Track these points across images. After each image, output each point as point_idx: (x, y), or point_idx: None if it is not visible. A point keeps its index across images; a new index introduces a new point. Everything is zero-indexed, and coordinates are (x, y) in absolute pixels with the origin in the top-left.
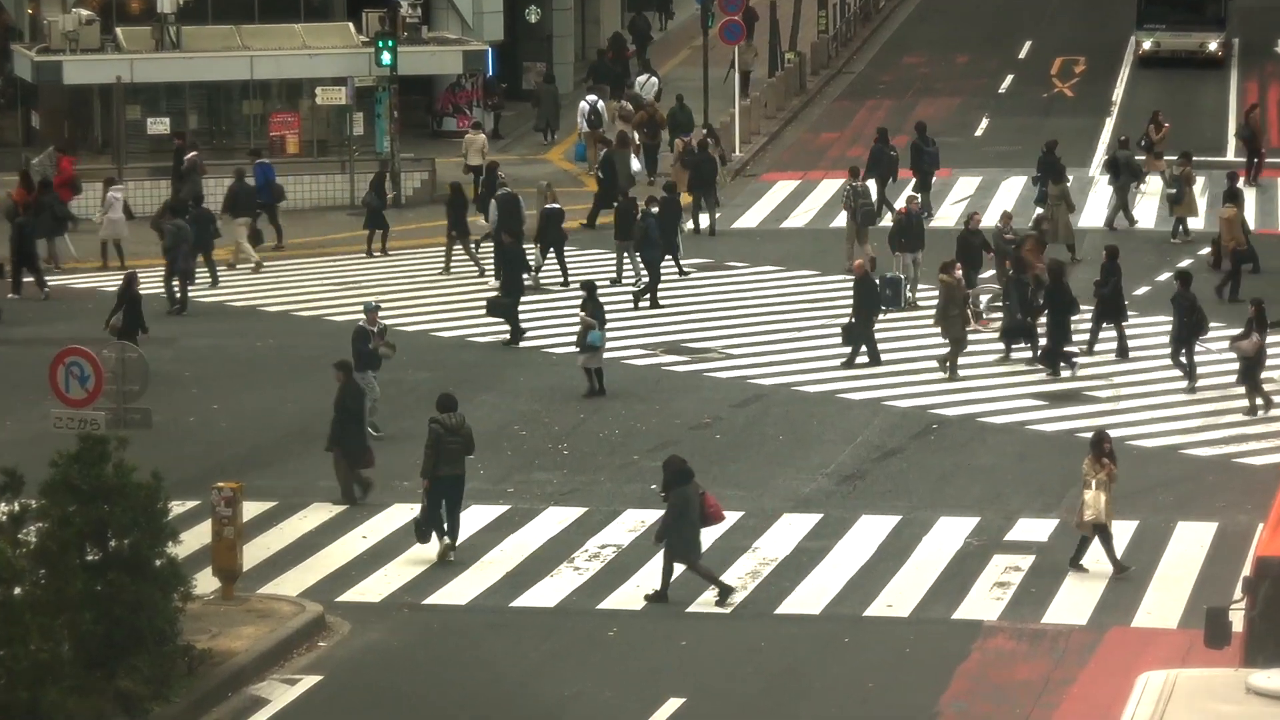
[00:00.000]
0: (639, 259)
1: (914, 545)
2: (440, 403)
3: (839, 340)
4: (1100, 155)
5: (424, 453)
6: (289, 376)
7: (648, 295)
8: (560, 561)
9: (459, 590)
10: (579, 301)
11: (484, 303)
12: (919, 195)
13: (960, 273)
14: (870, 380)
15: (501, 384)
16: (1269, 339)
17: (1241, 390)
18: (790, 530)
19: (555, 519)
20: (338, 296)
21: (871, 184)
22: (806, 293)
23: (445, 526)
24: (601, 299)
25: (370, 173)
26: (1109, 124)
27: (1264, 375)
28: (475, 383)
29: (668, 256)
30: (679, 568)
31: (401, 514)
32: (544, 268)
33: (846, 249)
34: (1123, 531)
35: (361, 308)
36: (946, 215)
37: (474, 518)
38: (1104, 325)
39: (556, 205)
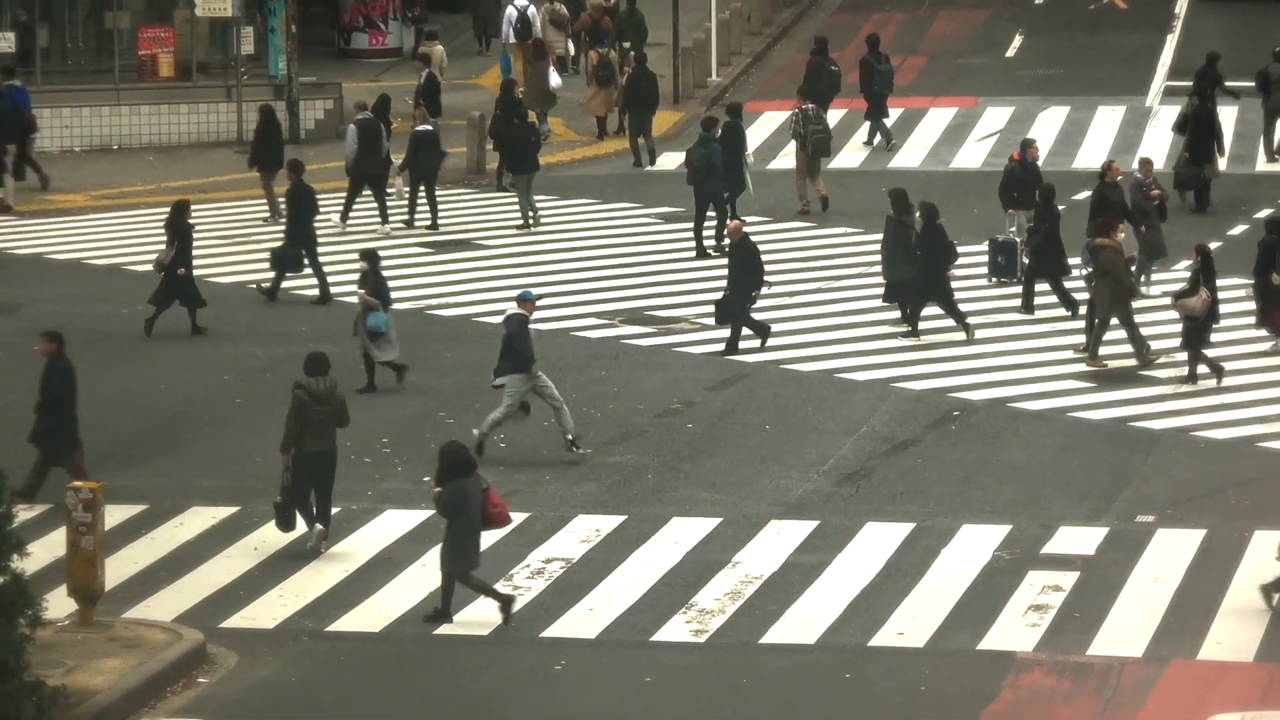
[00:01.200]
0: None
1: (930, 559)
2: (308, 364)
3: (842, 307)
4: (1160, 80)
5: (285, 424)
6: (159, 351)
7: (717, 244)
8: (496, 579)
9: (372, 614)
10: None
11: (402, 259)
12: (1032, 140)
13: (1121, 235)
14: (877, 357)
15: (423, 360)
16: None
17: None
18: (779, 541)
19: None
20: (224, 252)
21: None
22: (798, 248)
23: (315, 512)
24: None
25: (262, 101)
26: (1170, 42)
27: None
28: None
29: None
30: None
31: (303, 521)
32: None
33: (797, 186)
34: (1186, 543)
35: (519, 296)
36: (971, 155)
37: (390, 525)
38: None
39: (429, 128)
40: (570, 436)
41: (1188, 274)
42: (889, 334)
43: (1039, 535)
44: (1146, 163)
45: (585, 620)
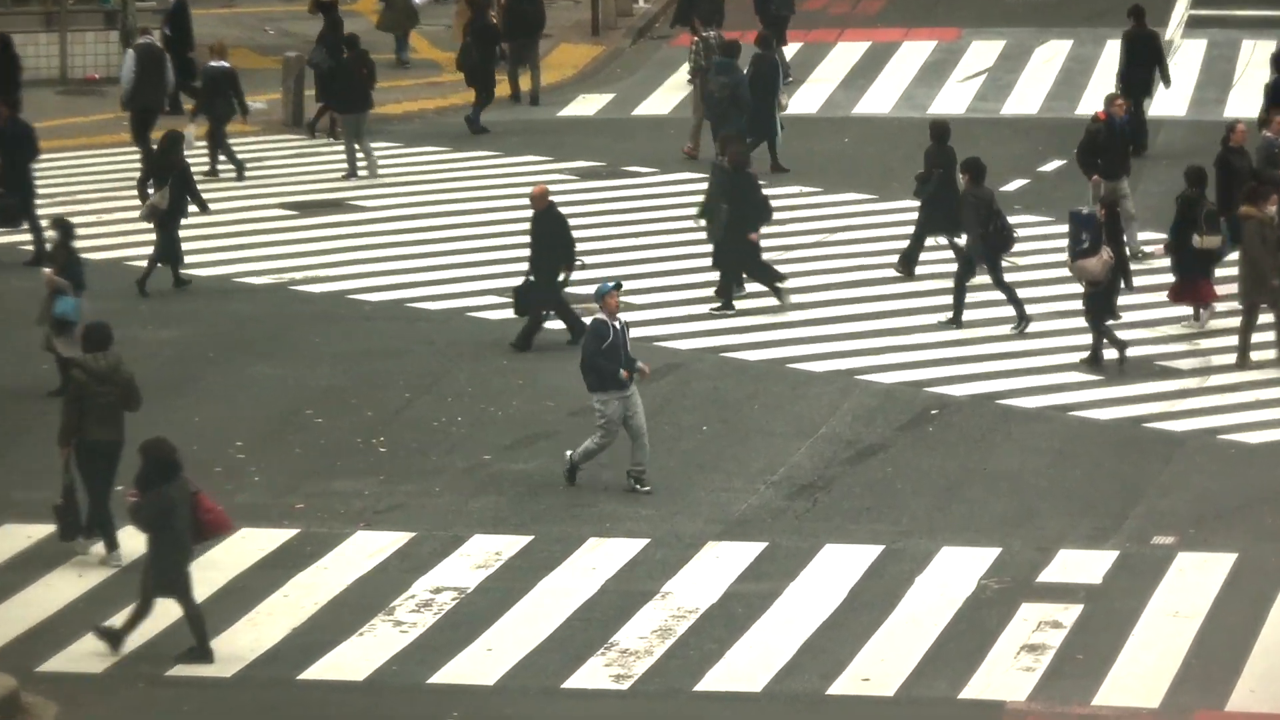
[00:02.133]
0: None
1: (902, 589)
2: (87, 338)
3: (796, 283)
4: (1182, 8)
5: (62, 410)
6: None
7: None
8: (374, 612)
9: (223, 655)
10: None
11: (259, 223)
12: (1125, 100)
13: (1273, 208)
14: (838, 344)
15: (288, 348)
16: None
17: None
18: (718, 567)
19: (366, 549)
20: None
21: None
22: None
23: (88, 519)
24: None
25: (91, 30)
26: None
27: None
28: (250, 346)
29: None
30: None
31: (138, 540)
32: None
33: (693, 130)
34: (1212, 569)
35: (595, 291)
36: (953, 98)
37: (246, 548)
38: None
39: (226, 64)
40: (636, 469)
41: None
42: (863, 315)
43: (1034, 560)
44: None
45: (483, 663)
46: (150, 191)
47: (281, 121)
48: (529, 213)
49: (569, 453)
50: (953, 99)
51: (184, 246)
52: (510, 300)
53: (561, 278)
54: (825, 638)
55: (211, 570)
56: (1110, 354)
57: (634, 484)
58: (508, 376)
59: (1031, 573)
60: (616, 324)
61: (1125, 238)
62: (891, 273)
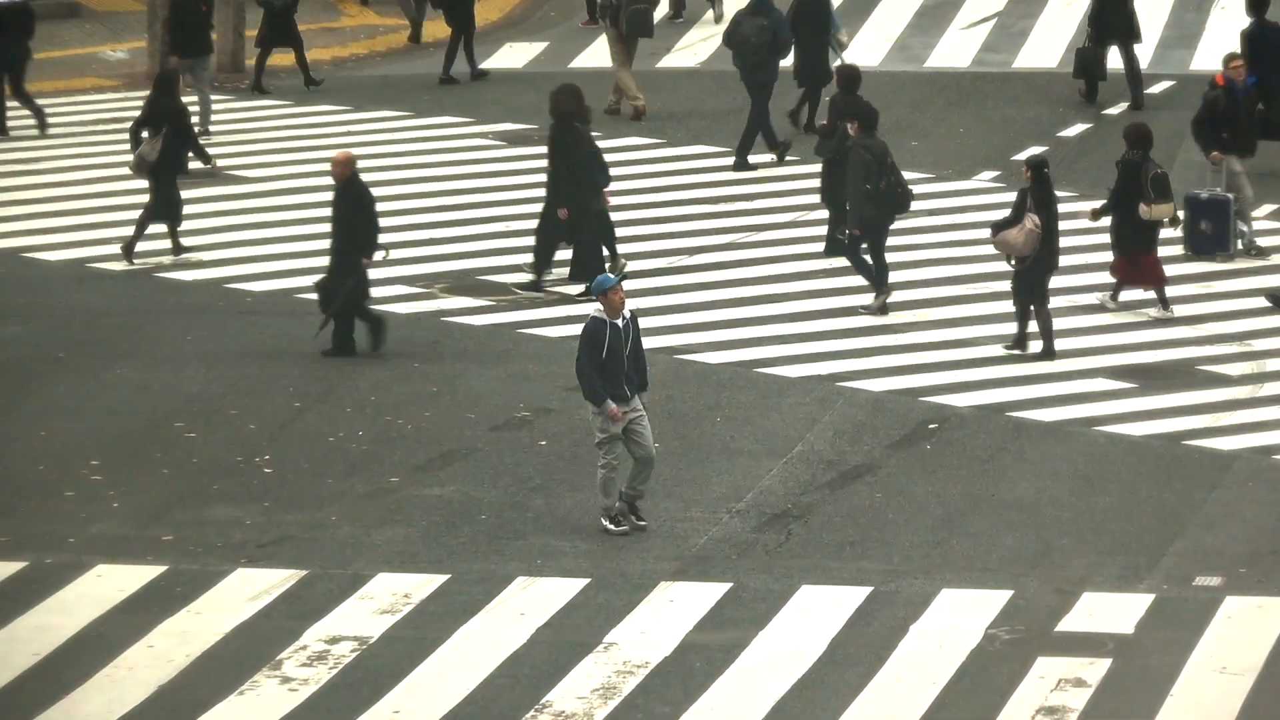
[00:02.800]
0: None
1: (895, 640)
2: None
3: (769, 271)
4: None
5: None
6: None
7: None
8: (257, 667)
9: (71, 717)
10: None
11: (102, 201)
12: (1234, 54)
13: None
14: (818, 344)
15: (152, 346)
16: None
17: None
18: (672, 613)
19: (247, 590)
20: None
21: None
22: (694, 180)
23: None
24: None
25: None
26: None
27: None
28: (108, 345)
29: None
30: None
31: None
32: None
33: (618, 78)
34: (1267, 615)
35: (593, 285)
36: (955, 49)
37: (100, 587)
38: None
39: None
40: (632, 493)
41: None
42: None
43: (1053, 605)
44: None
45: None
46: (144, 137)
47: (217, 70)
48: (440, 187)
49: (603, 505)
50: (955, 50)
51: (23, 225)
52: (319, 295)
53: (373, 259)
54: (801, 698)
55: (59, 615)
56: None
57: (629, 514)
58: (419, 382)
59: (1049, 620)
60: (620, 323)
61: (1242, 227)
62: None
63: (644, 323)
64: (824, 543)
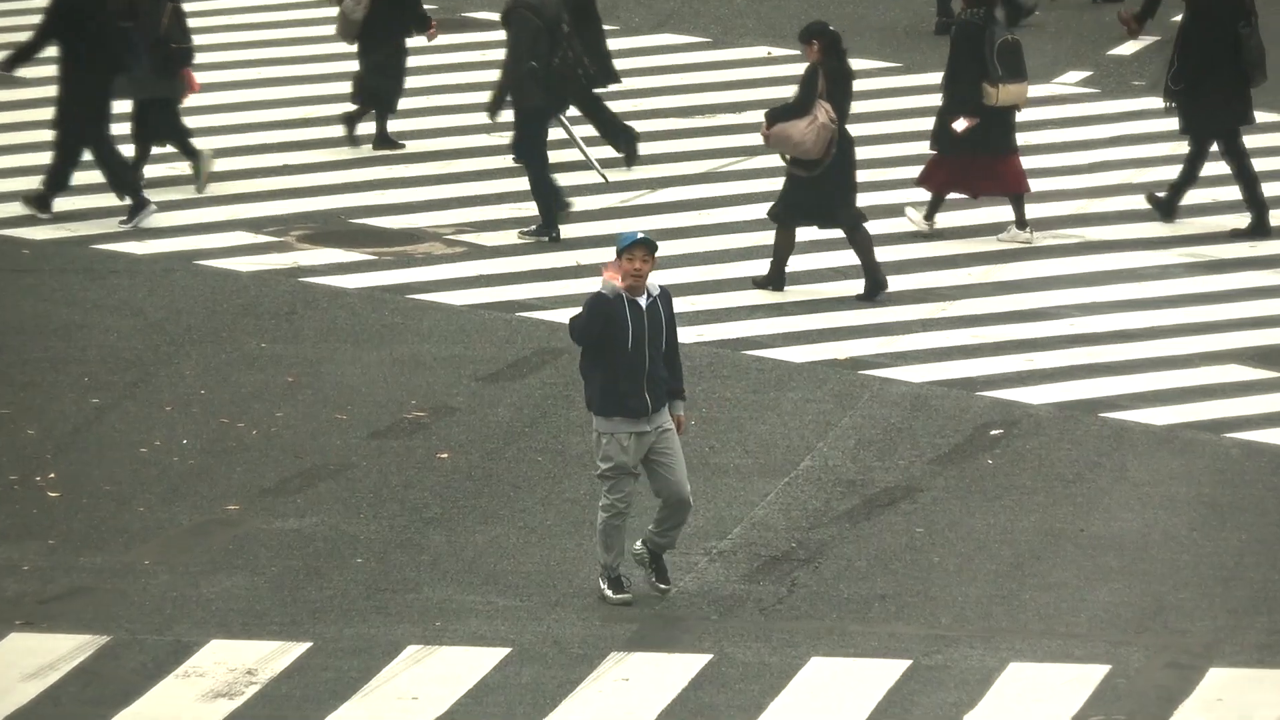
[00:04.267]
0: None
1: None
2: None
3: (755, 211)
4: None
5: None
6: None
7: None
8: None
9: None
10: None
11: None
12: None
13: None
14: (836, 315)
15: None
16: None
17: None
18: (629, 698)
19: (26, 663)
20: None
21: None
22: (664, 82)
23: None
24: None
25: None
26: None
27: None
28: None
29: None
30: None
31: None
32: None
33: None
34: None
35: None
36: None
37: None
38: None
39: None
40: (659, 542)
41: None
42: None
43: (1165, 684)
44: None
45: None
46: None
47: None
48: (300, 84)
49: (601, 561)
50: None
51: None
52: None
53: None
54: None
55: None
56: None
57: (649, 568)
58: (268, 369)
59: (1161, 707)
60: (642, 301)
61: None
62: (919, 195)
63: (571, 285)
64: (842, 597)
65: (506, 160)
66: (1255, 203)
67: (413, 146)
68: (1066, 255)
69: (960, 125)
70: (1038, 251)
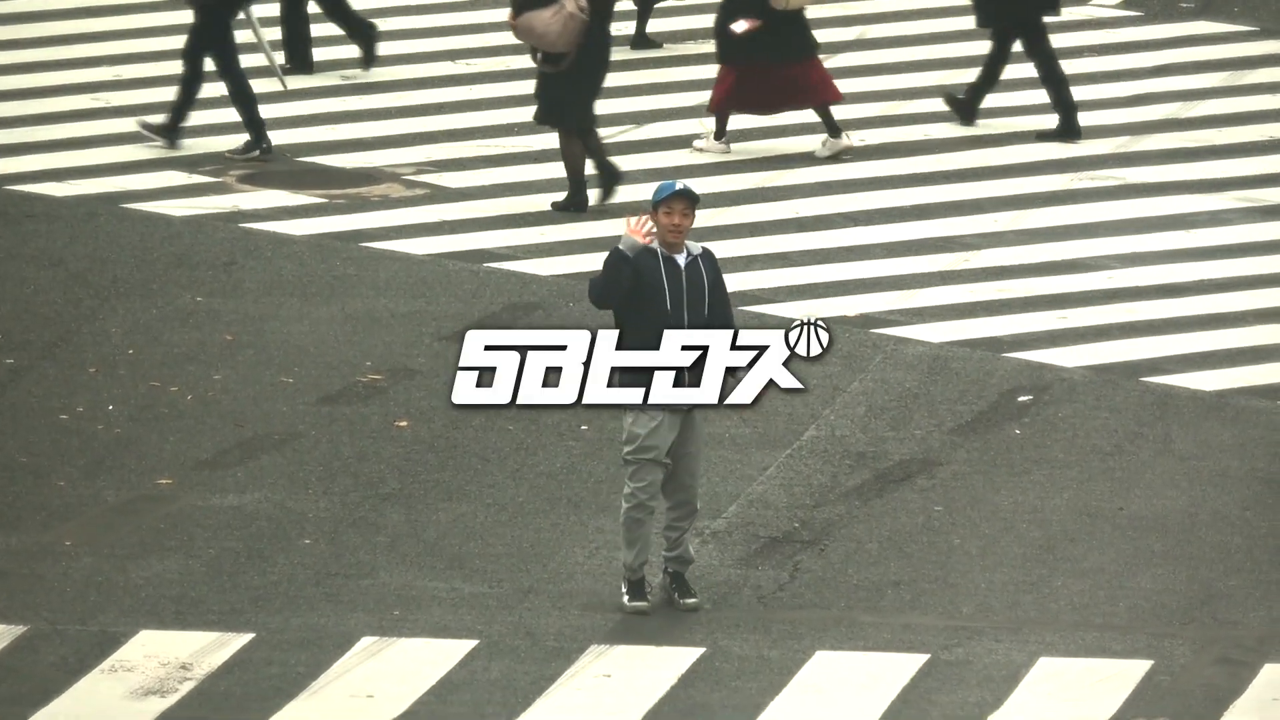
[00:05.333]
0: None
1: None
2: None
3: (765, 146)
4: None
5: None
6: None
7: None
8: None
9: None
10: None
11: None
12: None
13: None
14: (842, 267)
15: None
16: None
17: None
18: (611, 696)
19: None
20: None
21: None
22: None
23: None
24: None
25: None
26: None
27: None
28: None
29: None
30: None
31: None
32: None
33: None
34: None
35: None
36: None
37: None
38: None
39: None
40: (671, 554)
41: None
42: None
43: (1215, 681)
44: None
45: None
46: None
47: None
48: None
49: (623, 560)
50: None
51: None
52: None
53: None
54: None
55: None
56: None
57: (671, 590)
58: (204, 326)
59: (1210, 706)
60: (681, 259)
61: None
62: (949, 126)
63: (556, 230)
64: (851, 584)
65: (472, 92)
66: (1063, 104)
67: (367, 75)
68: (1105, 199)
69: (739, 27)
70: (1072, 195)
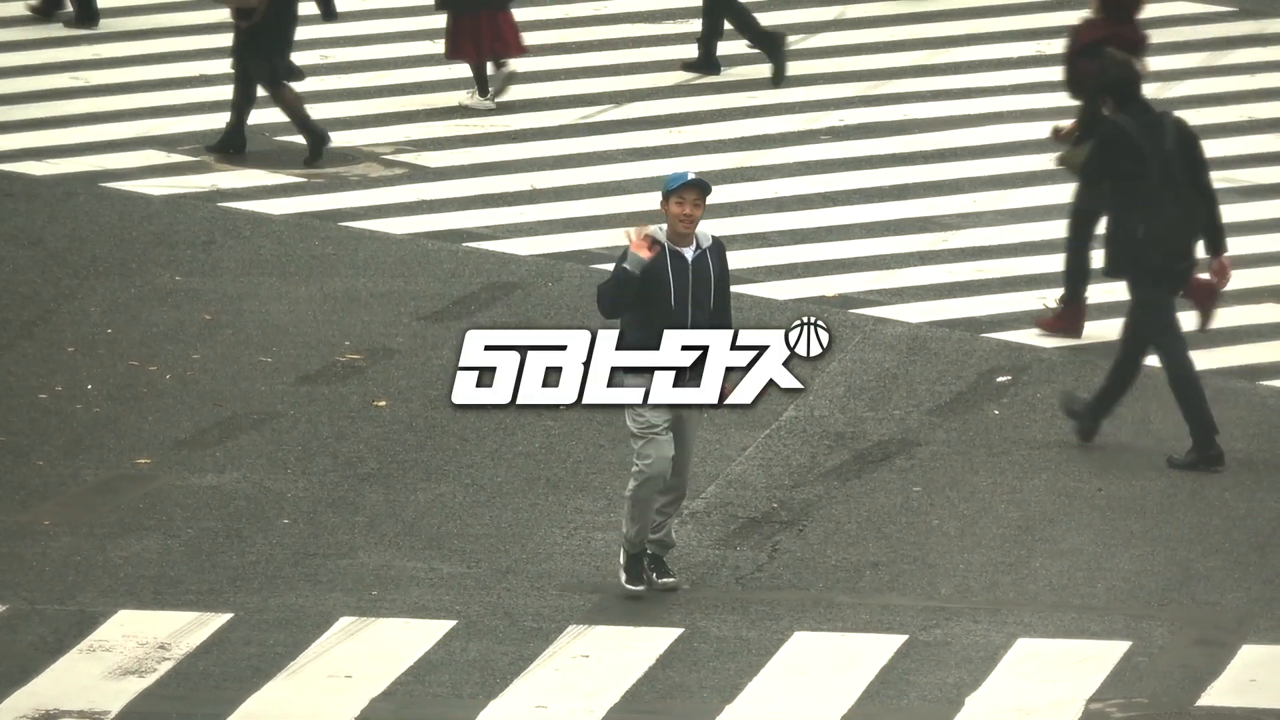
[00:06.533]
0: None
1: (945, 719)
2: None
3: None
4: None
5: None
6: None
7: None
8: None
9: None
10: None
11: None
12: None
13: None
14: (821, 247)
15: None
16: None
17: None
18: (590, 676)
19: None
20: None
21: None
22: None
23: None
24: None
25: None
26: None
27: None
28: None
29: None
30: None
31: None
32: None
33: None
34: None
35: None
36: None
37: None
38: None
39: None
40: (661, 540)
41: None
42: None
43: (1192, 664)
44: None
45: None
46: None
47: None
48: None
49: (625, 536)
50: None
51: None
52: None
53: None
54: None
55: None
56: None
57: (645, 557)
58: (183, 305)
59: (1189, 687)
60: (688, 253)
61: None
62: (929, 106)
63: (535, 210)
64: (829, 565)
65: (451, 71)
66: (709, 43)
67: (345, 54)
68: None
69: None
70: (1051, 176)
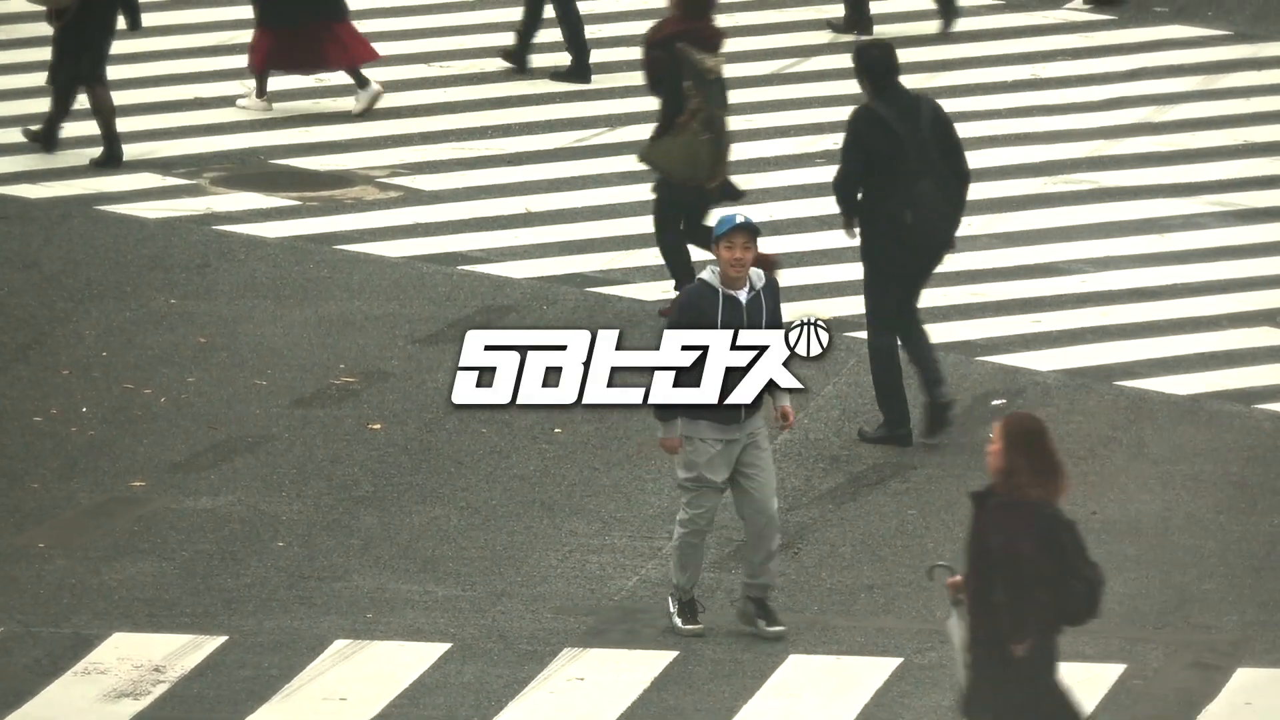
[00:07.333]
0: None
1: None
2: None
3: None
4: None
5: None
6: None
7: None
8: None
9: None
10: None
11: None
12: None
13: None
14: (816, 270)
15: None
16: None
17: None
18: (583, 700)
19: None
20: None
21: None
22: None
23: None
24: None
25: None
26: None
27: None
28: None
29: None
30: None
31: None
32: None
33: None
34: None
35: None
36: None
37: None
38: None
39: None
40: (753, 582)
41: None
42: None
43: (1187, 686)
44: None
45: None
46: None
47: None
48: None
49: (674, 583)
50: None
51: None
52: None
53: None
54: None
55: None
56: None
57: (755, 617)
58: (178, 328)
59: (1184, 710)
60: (742, 296)
61: None
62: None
63: (530, 233)
64: (824, 588)
65: (446, 94)
66: (576, 45)
67: (341, 78)
68: (1078, 203)
69: None
70: (1046, 199)
